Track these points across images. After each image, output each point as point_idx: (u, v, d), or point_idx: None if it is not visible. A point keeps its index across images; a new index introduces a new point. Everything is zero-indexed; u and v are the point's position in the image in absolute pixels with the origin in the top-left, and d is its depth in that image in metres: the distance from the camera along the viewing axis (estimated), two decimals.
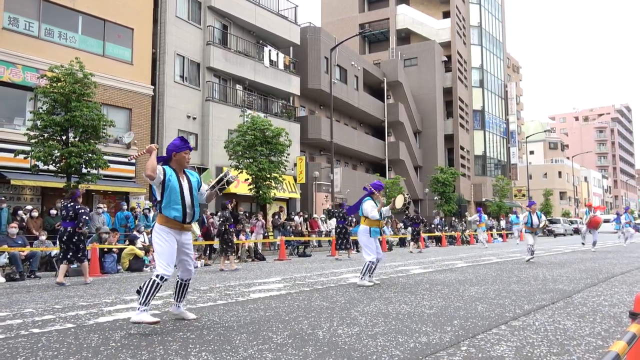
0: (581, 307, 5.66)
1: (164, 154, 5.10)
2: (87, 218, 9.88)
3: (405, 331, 4.48)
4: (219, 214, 13.20)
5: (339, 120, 34.01)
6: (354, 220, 16.94)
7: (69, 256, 9.47)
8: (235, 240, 13.25)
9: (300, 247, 18.99)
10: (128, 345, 4.14)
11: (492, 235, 31.34)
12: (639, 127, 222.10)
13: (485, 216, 24.38)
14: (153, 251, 11.93)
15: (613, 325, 4.65)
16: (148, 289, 4.63)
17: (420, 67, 43.61)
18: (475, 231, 23.90)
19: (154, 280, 4.66)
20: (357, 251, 19.24)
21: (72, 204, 9.66)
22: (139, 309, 4.60)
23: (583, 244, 19.09)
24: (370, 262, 8.06)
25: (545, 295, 6.59)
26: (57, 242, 9.84)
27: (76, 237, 9.56)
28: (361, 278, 8.04)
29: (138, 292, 4.70)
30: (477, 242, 23.25)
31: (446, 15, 47.67)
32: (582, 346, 3.90)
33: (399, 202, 8.56)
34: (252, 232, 17.94)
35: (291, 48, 29.10)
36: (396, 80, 40.03)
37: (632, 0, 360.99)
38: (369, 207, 8.26)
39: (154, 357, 3.72)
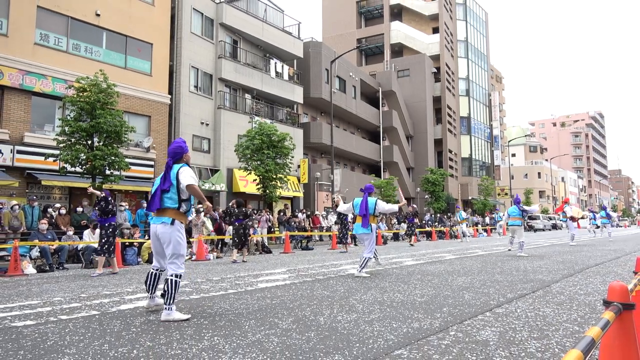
0: (559, 296, 5.63)
1: (169, 156, 4.85)
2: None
3: (399, 317, 4.47)
4: (235, 211, 12.80)
5: (338, 126, 33.98)
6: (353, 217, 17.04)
7: (111, 249, 9.57)
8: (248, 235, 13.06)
9: (303, 241, 18.96)
10: (147, 330, 4.13)
11: (477, 230, 31.27)
12: (611, 132, 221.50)
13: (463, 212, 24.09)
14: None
15: (588, 312, 4.63)
16: (173, 290, 4.51)
17: (412, 77, 43.58)
18: (455, 226, 23.63)
19: (177, 281, 4.55)
20: (356, 245, 19.20)
21: (114, 201, 9.93)
22: (168, 309, 4.49)
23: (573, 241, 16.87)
24: (370, 257, 8.17)
25: (526, 285, 6.56)
26: (107, 236, 9.50)
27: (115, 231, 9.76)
28: (360, 271, 8.06)
29: (163, 295, 4.57)
30: (463, 237, 23.07)
31: (435, 31, 47.63)
32: (560, 331, 3.88)
33: None
34: (258, 225, 17.91)
35: (295, 60, 29.09)
36: (390, 89, 39.99)
37: (606, 18, 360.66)
38: (384, 204, 8.40)
39: (170, 341, 3.71)
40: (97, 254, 10.00)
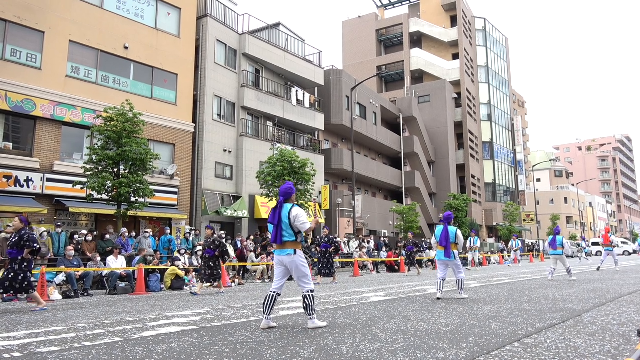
0: (591, 326, 5.42)
1: (280, 196, 5.63)
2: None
3: (424, 347, 4.35)
4: (208, 241, 11.22)
5: (359, 152, 34.06)
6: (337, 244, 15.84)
7: (29, 283, 8.21)
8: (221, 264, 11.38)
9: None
10: (169, 357, 4.12)
11: (503, 257, 30.56)
12: None
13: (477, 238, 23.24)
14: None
15: (622, 344, 4.43)
16: (312, 303, 5.38)
17: (433, 103, 43.63)
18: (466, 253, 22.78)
19: (312, 295, 5.39)
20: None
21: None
22: (311, 319, 5.41)
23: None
24: (464, 277, 8.84)
25: (556, 314, 6.34)
26: (22, 271, 8.15)
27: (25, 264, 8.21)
28: (460, 292, 8.68)
29: (305, 308, 5.39)
30: (489, 263, 22.39)
31: (455, 57, 47.86)
32: None
33: None
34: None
35: (316, 88, 29.52)
36: (411, 115, 40.07)
37: (630, 40, 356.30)
38: (461, 237, 8.96)
39: None
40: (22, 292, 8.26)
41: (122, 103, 15.00)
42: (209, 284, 11.33)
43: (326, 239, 14.72)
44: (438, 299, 8.58)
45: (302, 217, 5.50)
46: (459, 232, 8.86)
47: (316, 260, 15.61)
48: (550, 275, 12.96)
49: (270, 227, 5.60)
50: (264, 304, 5.48)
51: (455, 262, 8.77)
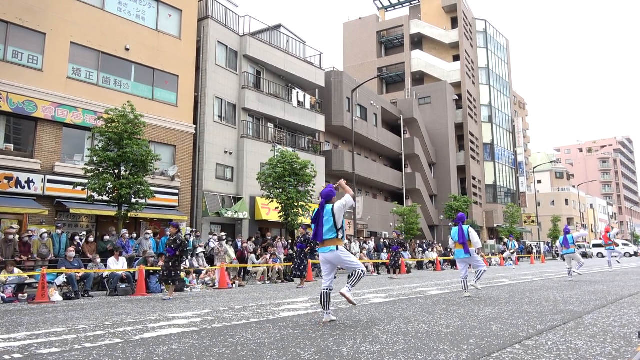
0: (592, 328, 5.41)
1: (322, 198, 6.04)
2: None
3: (424, 349, 4.35)
4: (173, 239, 10.64)
5: (360, 154, 34.07)
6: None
7: None
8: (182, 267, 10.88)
9: None
10: (170, 359, 4.12)
11: (504, 258, 30.52)
12: None
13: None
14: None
15: (623, 346, 4.43)
16: (358, 278, 5.79)
17: (434, 105, 43.65)
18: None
19: (363, 274, 5.84)
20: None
21: None
22: (349, 288, 5.76)
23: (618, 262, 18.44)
24: (485, 270, 9.37)
25: (557, 316, 6.33)
26: None
27: None
28: (475, 282, 9.30)
29: (349, 276, 5.82)
30: (490, 265, 22.41)
31: (456, 58, 47.89)
32: None
33: None
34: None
35: (317, 90, 29.53)
36: (412, 117, 40.09)
37: (630, 42, 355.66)
38: (475, 234, 9.42)
39: None
40: None
41: (123, 104, 15.01)
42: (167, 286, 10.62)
43: (302, 239, 14.24)
44: (467, 297, 8.93)
45: (343, 205, 5.88)
46: (472, 230, 9.33)
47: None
48: (570, 274, 13.34)
49: (314, 227, 5.95)
50: (321, 301, 5.85)
51: (474, 258, 9.32)
